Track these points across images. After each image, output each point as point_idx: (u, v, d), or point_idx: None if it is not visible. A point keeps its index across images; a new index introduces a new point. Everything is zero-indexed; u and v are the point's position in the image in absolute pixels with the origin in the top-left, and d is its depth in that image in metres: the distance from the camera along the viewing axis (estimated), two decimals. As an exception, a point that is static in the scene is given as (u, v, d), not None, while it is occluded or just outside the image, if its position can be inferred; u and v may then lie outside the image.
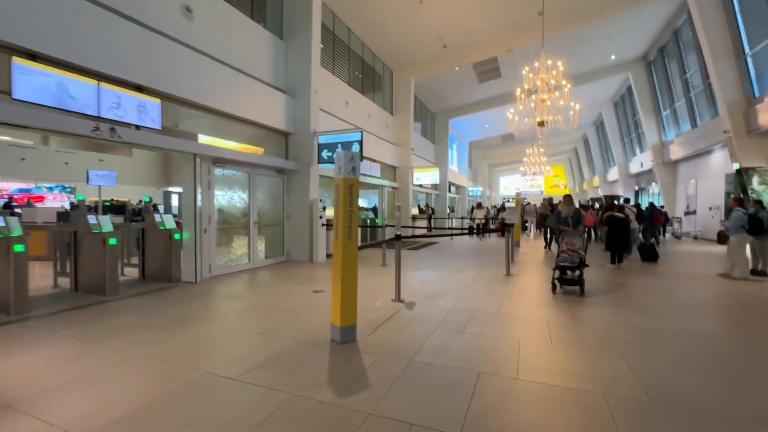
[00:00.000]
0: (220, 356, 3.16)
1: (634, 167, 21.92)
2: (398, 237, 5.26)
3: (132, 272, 6.56)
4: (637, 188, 22.86)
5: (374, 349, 3.29)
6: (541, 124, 9.85)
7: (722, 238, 10.34)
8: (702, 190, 14.60)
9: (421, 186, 17.61)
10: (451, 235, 14.02)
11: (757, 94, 10.77)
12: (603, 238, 9.65)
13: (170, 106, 6.03)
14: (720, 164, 13.21)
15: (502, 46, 13.54)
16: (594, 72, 18.02)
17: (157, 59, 5.58)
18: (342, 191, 3.43)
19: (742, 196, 10.70)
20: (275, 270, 7.45)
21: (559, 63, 9.40)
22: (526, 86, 9.71)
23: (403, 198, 15.25)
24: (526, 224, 17.25)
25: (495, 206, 19.98)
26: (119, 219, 10.14)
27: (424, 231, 14.68)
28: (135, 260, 6.67)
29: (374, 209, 14.45)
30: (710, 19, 11.15)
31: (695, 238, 14.52)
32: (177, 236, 6.07)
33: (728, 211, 9.96)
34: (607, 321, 4.17)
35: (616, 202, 9.70)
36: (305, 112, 8.41)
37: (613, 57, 16.90)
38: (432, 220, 18.41)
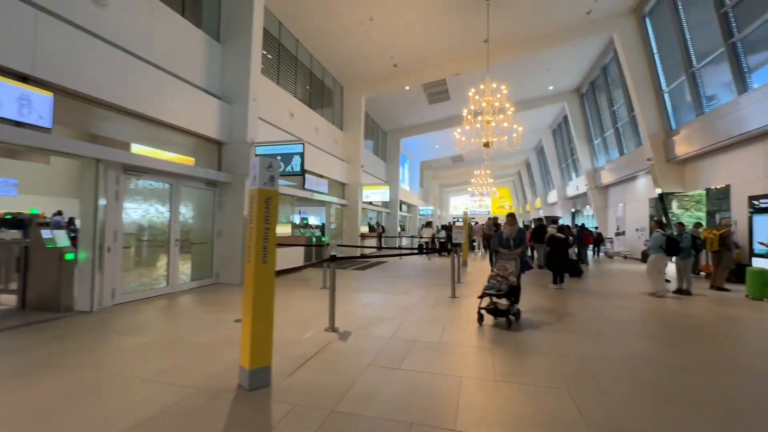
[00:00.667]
0: (84, 415, 2.41)
1: (571, 190, 23.42)
2: (333, 258, 4.75)
3: (9, 300, 5.36)
4: (573, 210, 24.39)
5: (290, 397, 2.72)
6: (487, 145, 10.03)
7: (645, 257, 11.03)
8: (629, 213, 15.76)
9: (371, 203, 17.31)
10: (400, 255, 13.74)
11: (673, 127, 11.87)
12: (541, 259, 9.91)
13: (74, 103, 5.14)
14: (644, 189, 14.35)
15: (451, 69, 13.88)
16: (535, 100, 19.16)
17: (53, 46, 4.72)
18: (257, 204, 2.89)
19: (663, 218, 11.57)
20: (199, 294, 6.56)
21: (503, 87, 9.67)
22: (472, 107, 9.85)
23: (351, 215, 14.79)
24: (474, 243, 17.50)
25: (443, 225, 20.15)
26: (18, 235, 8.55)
27: (374, 250, 14.28)
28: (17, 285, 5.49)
29: (322, 227, 13.83)
30: (633, 58, 12.25)
31: (625, 257, 15.53)
32: (69, 256, 5.06)
33: (651, 233, 10.69)
34: (553, 348, 3.94)
35: (545, 222, 10.06)
36: (242, 121, 7.74)
37: (551, 87, 18.10)
38: (382, 239, 18.09)
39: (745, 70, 8.75)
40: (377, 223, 19.21)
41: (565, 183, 24.84)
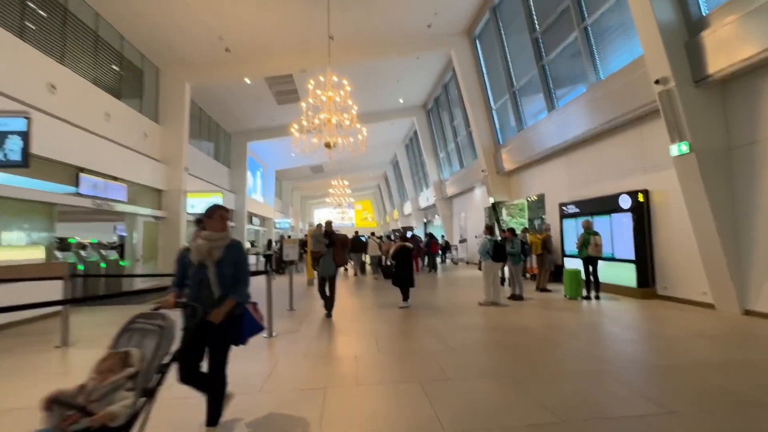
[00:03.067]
0: None
1: (423, 202, 24.70)
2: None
3: None
4: (425, 220, 25.80)
5: None
6: (328, 145, 8.85)
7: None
8: (470, 222, 16.98)
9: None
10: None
11: (501, 142, 13.00)
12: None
13: None
14: (480, 199, 15.56)
15: (295, 64, 12.40)
16: (388, 112, 19.34)
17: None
18: None
19: (494, 225, 12.39)
20: None
21: (345, 81, 8.66)
22: (311, 101, 8.53)
23: (171, 231, 11.63)
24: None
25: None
26: None
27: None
28: None
29: (121, 247, 10.35)
30: (467, 76, 13.05)
31: (467, 263, 16.56)
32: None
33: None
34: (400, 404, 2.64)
35: (394, 234, 9.44)
36: None
37: (401, 101, 18.52)
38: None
39: (553, 91, 9.84)
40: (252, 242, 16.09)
41: (417, 194, 26.14)
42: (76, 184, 7.97)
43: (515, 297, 7.29)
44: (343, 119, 8.83)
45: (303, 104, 8.74)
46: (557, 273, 9.05)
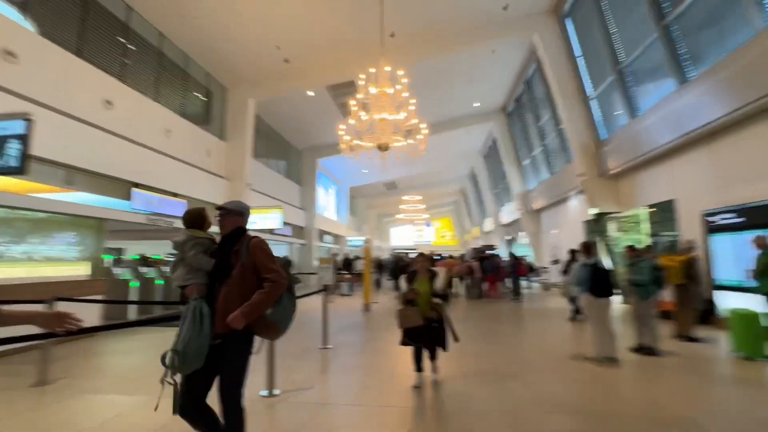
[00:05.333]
0: None
1: (505, 217, 21.97)
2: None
3: None
4: (509, 237, 22.90)
5: None
6: (382, 147, 7.54)
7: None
8: (565, 239, 14.04)
9: (271, 232, 14.00)
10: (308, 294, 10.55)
11: (603, 137, 10.33)
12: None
13: None
14: (577, 211, 12.72)
15: (355, 69, 11.53)
16: (461, 118, 17.57)
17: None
18: None
19: (593, 243, 9.70)
20: None
21: (400, 72, 7.33)
22: (360, 96, 7.35)
23: (232, 248, 11.36)
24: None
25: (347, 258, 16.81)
26: None
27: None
28: None
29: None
30: (555, 63, 10.77)
31: (562, 289, 13.59)
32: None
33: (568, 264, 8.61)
34: None
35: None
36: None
37: (476, 104, 16.63)
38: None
39: (684, 58, 7.19)
40: (285, 257, 15.84)
41: (498, 209, 23.46)
42: (129, 199, 7.87)
43: (645, 350, 4.88)
44: (400, 119, 7.48)
45: (352, 101, 7.62)
46: (706, 313, 6.25)
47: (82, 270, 6.74)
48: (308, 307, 9.86)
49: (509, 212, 20.65)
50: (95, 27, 7.59)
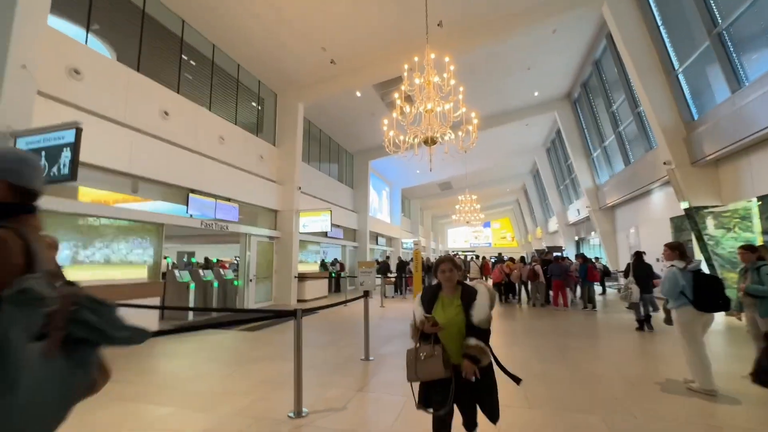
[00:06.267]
0: None
1: (572, 216, 20.03)
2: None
3: None
4: (577, 238, 20.86)
5: None
6: (429, 142, 6.97)
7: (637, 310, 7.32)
8: (645, 239, 12.25)
9: (325, 235, 14.06)
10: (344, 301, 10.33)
11: (696, 116, 8.72)
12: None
13: None
14: (662, 205, 10.99)
15: (402, 64, 11.10)
16: (520, 110, 16.31)
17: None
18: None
19: (683, 243, 8.21)
20: None
21: (447, 58, 6.72)
22: (404, 88, 6.86)
23: (285, 250, 11.53)
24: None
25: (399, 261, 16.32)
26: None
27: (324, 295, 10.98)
28: None
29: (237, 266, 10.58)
30: (631, 34, 9.35)
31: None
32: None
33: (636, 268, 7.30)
34: None
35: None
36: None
37: (536, 93, 15.28)
38: (340, 279, 14.69)
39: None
40: (335, 260, 15.86)
41: (565, 207, 21.50)
42: (186, 205, 8.19)
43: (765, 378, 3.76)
44: (448, 110, 6.86)
45: (395, 95, 7.16)
46: None
47: (142, 273, 7.08)
48: (355, 311, 9.63)
49: (577, 210, 18.77)
50: (152, 42, 8.03)
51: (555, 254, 12.96)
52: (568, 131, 16.33)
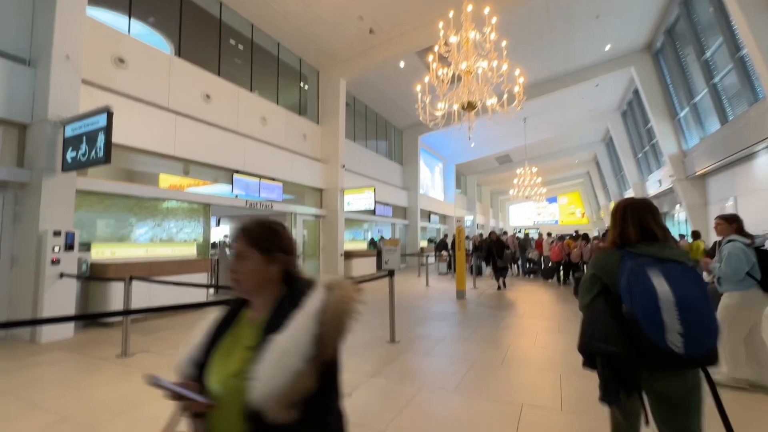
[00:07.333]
0: None
1: (652, 187, 17.55)
2: None
3: None
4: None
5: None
6: (467, 107, 6.24)
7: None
8: (746, 212, 10.22)
9: (372, 213, 13.95)
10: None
11: (824, 54, 6.81)
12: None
13: None
14: (771, 172, 9.03)
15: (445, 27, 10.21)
16: (589, 69, 14.40)
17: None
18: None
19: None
20: None
21: (487, 9, 5.88)
22: (437, 49, 6.20)
23: (330, 228, 11.62)
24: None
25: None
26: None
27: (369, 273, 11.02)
28: None
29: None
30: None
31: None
32: None
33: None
34: None
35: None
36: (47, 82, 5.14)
37: (608, 47, 13.28)
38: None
39: None
40: (382, 237, 15.73)
41: (643, 178, 18.92)
42: (231, 185, 8.49)
43: None
44: (491, 68, 6.07)
45: (429, 57, 6.51)
46: None
47: (192, 251, 7.51)
48: (404, 289, 9.41)
49: (658, 181, 16.38)
50: (192, 26, 8.21)
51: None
52: (648, 89, 14.05)
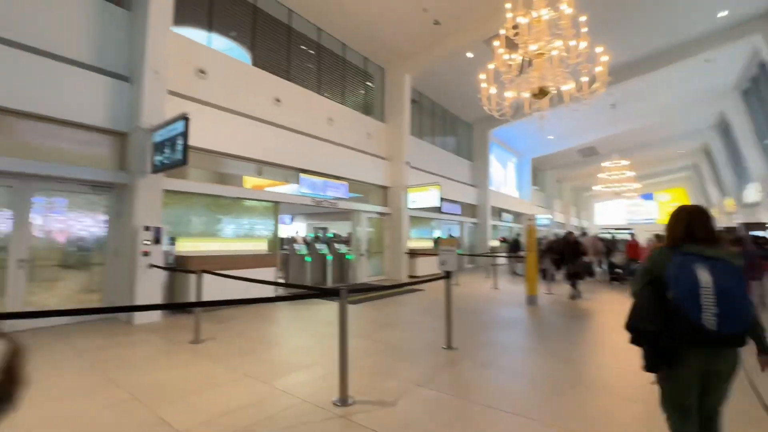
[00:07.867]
0: None
1: (785, 180, 14.38)
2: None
3: None
4: (793, 212, 14.99)
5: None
6: (539, 94, 5.59)
7: None
8: None
9: (438, 210, 13.60)
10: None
11: None
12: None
13: None
14: None
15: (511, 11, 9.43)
16: (698, 41, 12.23)
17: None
18: None
19: None
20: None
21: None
22: (503, 32, 5.69)
23: (395, 225, 11.56)
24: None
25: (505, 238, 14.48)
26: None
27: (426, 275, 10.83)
28: None
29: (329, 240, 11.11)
30: None
31: None
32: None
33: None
34: None
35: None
36: (155, 101, 5.82)
37: (723, 14, 11.13)
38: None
39: None
40: (450, 236, 15.22)
41: (772, 169, 15.61)
42: (297, 183, 8.86)
43: None
44: (569, 48, 5.40)
45: (496, 42, 6.00)
46: None
47: (263, 246, 8.00)
48: (470, 290, 8.99)
49: (794, 172, 13.35)
50: (263, 34, 8.72)
51: (751, 233, 9.47)
52: (780, 60, 11.47)
